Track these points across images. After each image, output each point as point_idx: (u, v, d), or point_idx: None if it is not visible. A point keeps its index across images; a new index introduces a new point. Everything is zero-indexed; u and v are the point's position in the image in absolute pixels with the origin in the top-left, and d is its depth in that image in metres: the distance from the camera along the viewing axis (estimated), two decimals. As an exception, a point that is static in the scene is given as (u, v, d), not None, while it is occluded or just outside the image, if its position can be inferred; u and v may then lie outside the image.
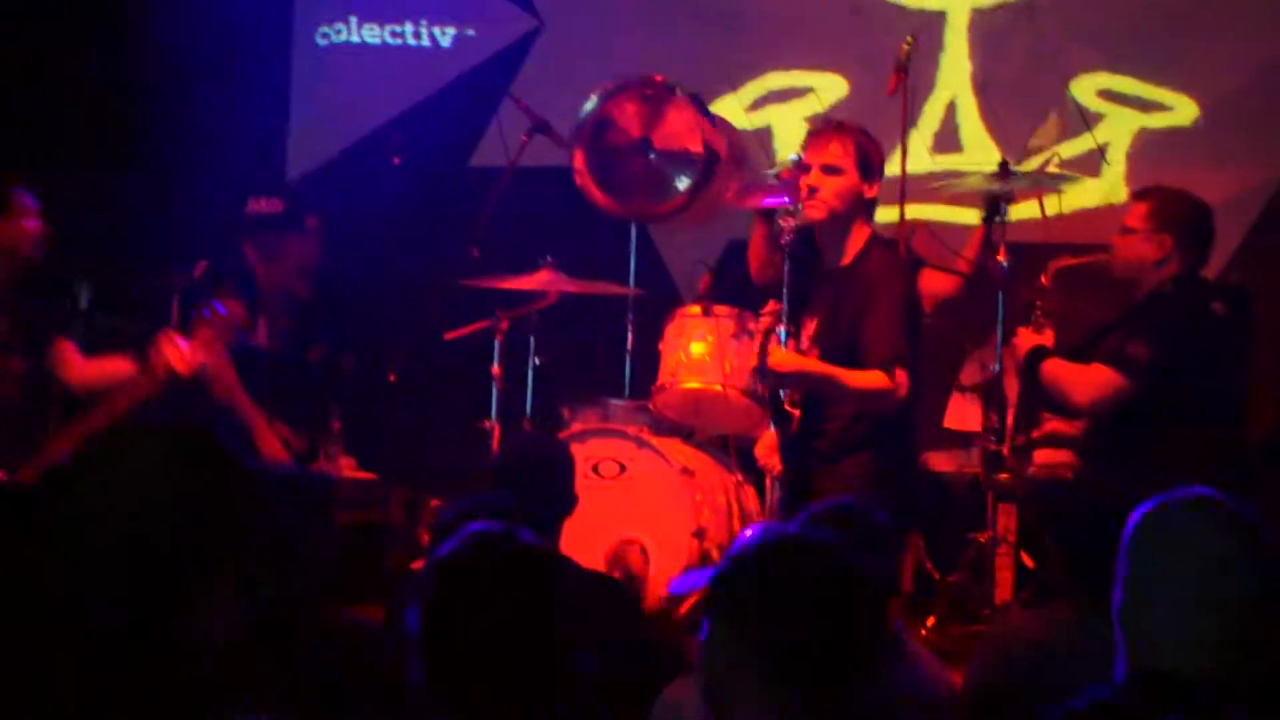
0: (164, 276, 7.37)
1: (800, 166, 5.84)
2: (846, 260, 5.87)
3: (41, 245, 6.11)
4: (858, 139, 5.83)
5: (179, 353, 5.68)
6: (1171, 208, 5.95)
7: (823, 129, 5.93)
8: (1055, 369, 5.89)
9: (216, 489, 2.48)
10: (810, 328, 5.86)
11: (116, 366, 5.87)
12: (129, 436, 2.54)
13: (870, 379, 5.59)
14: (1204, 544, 2.70)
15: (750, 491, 6.85)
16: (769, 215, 6.04)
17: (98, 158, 8.60)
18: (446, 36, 8.78)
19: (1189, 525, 2.74)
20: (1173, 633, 2.69)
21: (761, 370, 5.70)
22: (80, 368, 5.97)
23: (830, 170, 5.78)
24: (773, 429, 6.05)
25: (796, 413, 5.82)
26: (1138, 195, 6.14)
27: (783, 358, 5.64)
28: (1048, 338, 5.93)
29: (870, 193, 5.84)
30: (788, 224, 6.57)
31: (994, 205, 6.08)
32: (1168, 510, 2.78)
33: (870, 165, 5.82)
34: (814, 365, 5.68)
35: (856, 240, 5.86)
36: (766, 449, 6.21)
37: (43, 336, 6.11)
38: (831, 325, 5.78)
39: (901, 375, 5.59)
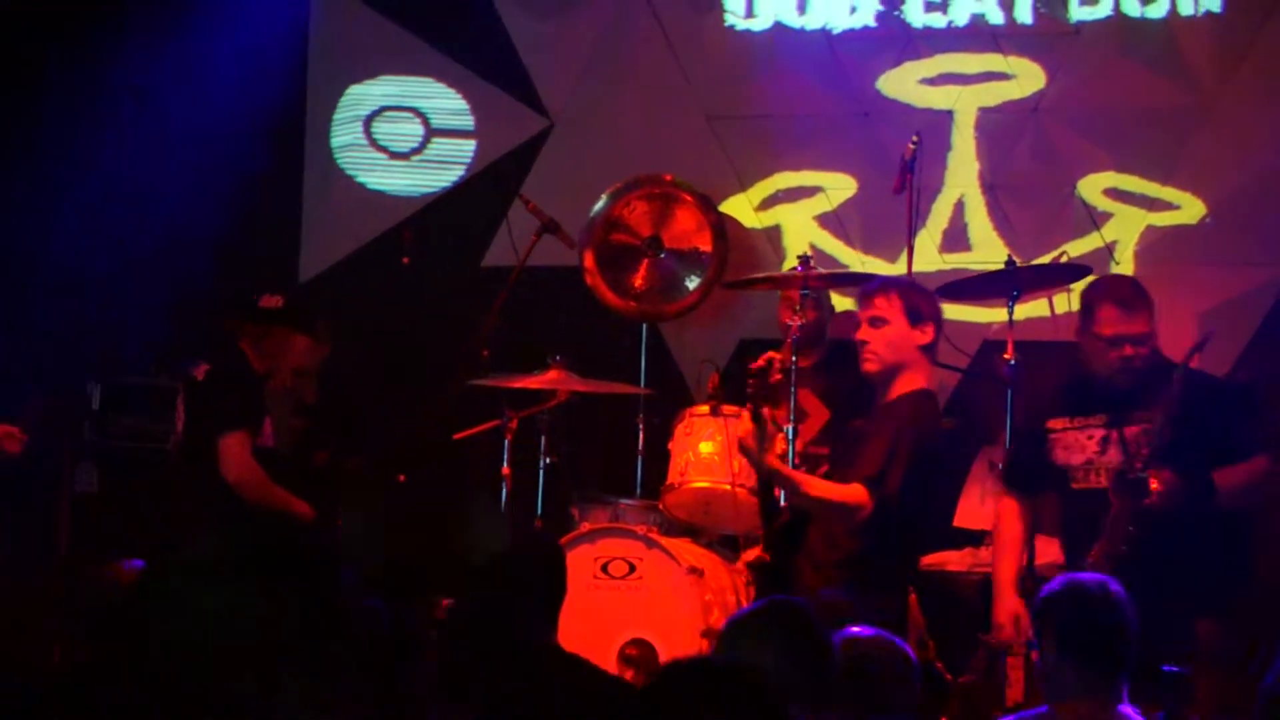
0: (172, 377, 7.40)
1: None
2: (889, 399, 5.95)
3: None
4: (902, 291, 5.98)
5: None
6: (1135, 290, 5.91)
7: (867, 289, 6.04)
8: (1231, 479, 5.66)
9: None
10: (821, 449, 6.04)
11: None
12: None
13: (843, 492, 5.71)
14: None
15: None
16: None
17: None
18: (458, 137, 8.83)
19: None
20: None
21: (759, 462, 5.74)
22: None
23: (876, 322, 5.91)
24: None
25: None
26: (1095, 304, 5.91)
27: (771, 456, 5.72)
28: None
29: (925, 339, 5.93)
30: (795, 322, 6.60)
31: None
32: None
33: (919, 313, 5.92)
34: (785, 468, 5.77)
35: (904, 386, 5.93)
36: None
37: None
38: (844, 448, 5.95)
39: (874, 497, 5.69)
